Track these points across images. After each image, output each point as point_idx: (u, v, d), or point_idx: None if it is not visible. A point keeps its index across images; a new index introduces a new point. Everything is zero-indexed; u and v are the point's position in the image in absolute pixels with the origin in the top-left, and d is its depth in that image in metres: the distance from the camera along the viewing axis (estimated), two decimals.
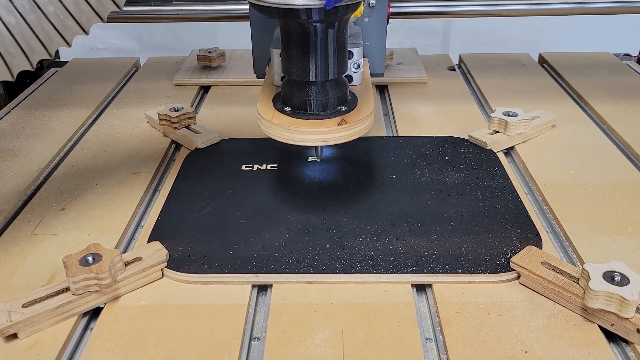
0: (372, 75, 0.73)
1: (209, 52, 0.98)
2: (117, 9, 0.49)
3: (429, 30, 1.66)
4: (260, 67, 0.73)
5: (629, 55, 1.07)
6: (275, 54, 0.61)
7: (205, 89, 0.94)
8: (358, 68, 0.63)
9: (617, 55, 1.05)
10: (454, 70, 1.00)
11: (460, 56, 1.05)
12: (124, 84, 0.96)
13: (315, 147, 0.67)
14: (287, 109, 0.56)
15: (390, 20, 0.73)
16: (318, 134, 0.54)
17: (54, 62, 1.09)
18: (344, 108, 0.56)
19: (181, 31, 1.61)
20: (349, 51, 0.62)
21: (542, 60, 1.04)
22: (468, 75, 0.98)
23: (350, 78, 0.64)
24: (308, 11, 0.48)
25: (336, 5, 0.47)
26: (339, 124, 0.54)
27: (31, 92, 0.92)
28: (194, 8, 0.96)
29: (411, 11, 0.96)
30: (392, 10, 0.96)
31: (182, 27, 1.59)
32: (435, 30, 1.67)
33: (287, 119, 0.55)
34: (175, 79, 0.94)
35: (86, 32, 0.48)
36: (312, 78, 0.53)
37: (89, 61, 1.06)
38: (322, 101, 0.55)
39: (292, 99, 0.56)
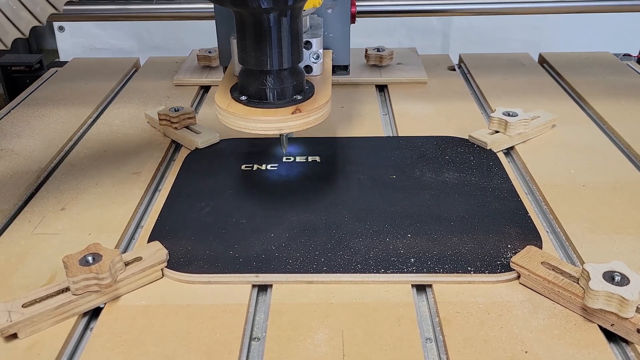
0: (336, 66, 0.74)
1: (209, 52, 0.98)
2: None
3: (428, 30, 1.66)
4: (225, 59, 0.73)
5: (629, 55, 1.07)
6: (234, 45, 0.61)
7: (205, 89, 0.94)
8: (317, 58, 0.64)
9: (617, 55, 1.05)
10: (454, 70, 1.00)
11: (460, 56, 1.05)
12: (124, 83, 0.96)
13: (280, 139, 0.67)
14: (243, 98, 0.56)
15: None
16: (272, 122, 0.54)
17: (54, 62, 1.09)
18: (299, 97, 0.56)
19: (181, 31, 1.61)
20: (308, 41, 0.62)
21: (542, 60, 1.04)
22: (468, 75, 0.98)
23: (309, 68, 0.64)
24: (257, 0, 0.48)
25: None
26: (293, 113, 0.54)
27: (31, 92, 0.92)
28: (194, 7, 0.96)
29: (410, 9, 0.96)
30: (393, 8, 0.96)
31: (182, 27, 1.59)
32: (435, 30, 1.67)
33: (242, 108, 0.55)
34: (175, 79, 0.94)
35: (41, 23, 0.49)
36: (266, 67, 0.54)
37: (89, 61, 1.06)
38: (276, 90, 0.55)
39: (248, 88, 0.56)
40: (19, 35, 0.48)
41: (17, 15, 0.47)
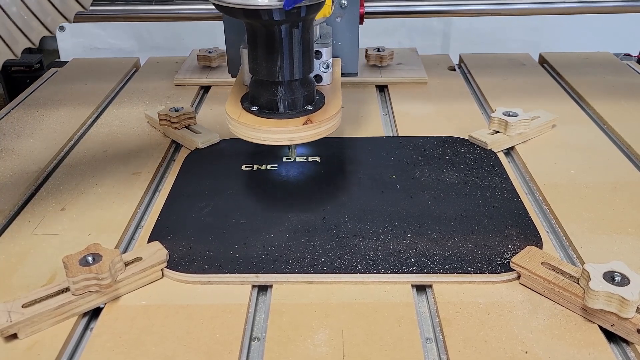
0: (345, 74, 0.73)
1: (209, 52, 0.98)
2: (82, 9, 0.50)
3: (429, 30, 1.66)
4: (234, 67, 0.73)
5: (629, 55, 1.07)
6: (245, 54, 0.61)
7: (205, 89, 0.94)
8: (327, 68, 0.64)
9: (617, 55, 1.05)
10: (454, 70, 1.00)
11: (460, 56, 1.05)
12: (124, 84, 0.96)
13: (289, 147, 0.67)
14: (254, 108, 0.56)
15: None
16: (283, 133, 0.55)
17: (54, 62, 1.09)
18: (310, 107, 0.56)
19: (181, 31, 1.61)
20: (318, 51, 0.62)
21: (542, 60, 1.04)
22: (468, 75, 0.98)
23: (319, 78, 0.64)
24: (269, 12, 0.48)
25: (295, 5, 0.47)
26: (304, 124, 0.55)
27: (31, 92, 0.92)
28: (194, 7, 0.96)
29: (410, 10, 0.96)
30: (393, 9, 0.96)
31: (182, 27, 1.59)
32: (436, 30, 1.67)
33: (253, 119, 0.55)
34: (175, 79, 0.94)
35: (52, 33, 0.49)
36: (277, 78, 0.54)
37: (89, 61, 1.06)
38: (287, 101, 0.55)
39: (259, 99, 0.56)
40: (29, 45, 0.48)
41: (28, 25, 0.47)
